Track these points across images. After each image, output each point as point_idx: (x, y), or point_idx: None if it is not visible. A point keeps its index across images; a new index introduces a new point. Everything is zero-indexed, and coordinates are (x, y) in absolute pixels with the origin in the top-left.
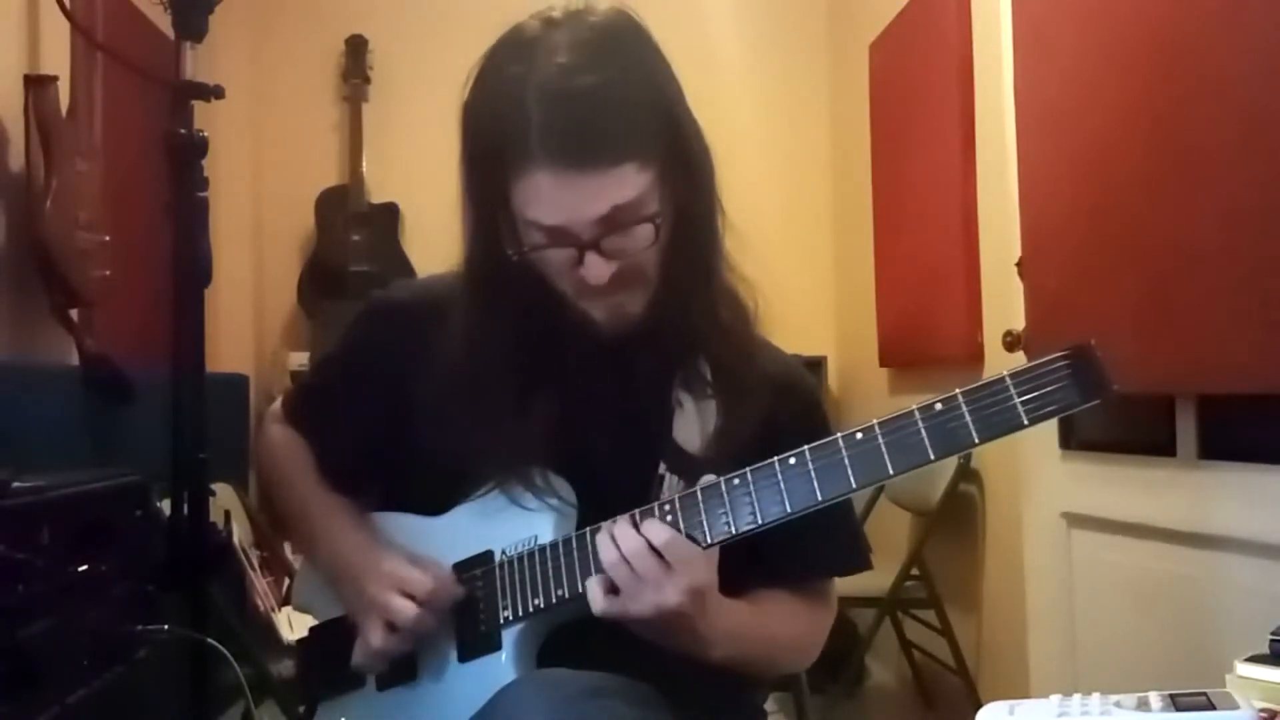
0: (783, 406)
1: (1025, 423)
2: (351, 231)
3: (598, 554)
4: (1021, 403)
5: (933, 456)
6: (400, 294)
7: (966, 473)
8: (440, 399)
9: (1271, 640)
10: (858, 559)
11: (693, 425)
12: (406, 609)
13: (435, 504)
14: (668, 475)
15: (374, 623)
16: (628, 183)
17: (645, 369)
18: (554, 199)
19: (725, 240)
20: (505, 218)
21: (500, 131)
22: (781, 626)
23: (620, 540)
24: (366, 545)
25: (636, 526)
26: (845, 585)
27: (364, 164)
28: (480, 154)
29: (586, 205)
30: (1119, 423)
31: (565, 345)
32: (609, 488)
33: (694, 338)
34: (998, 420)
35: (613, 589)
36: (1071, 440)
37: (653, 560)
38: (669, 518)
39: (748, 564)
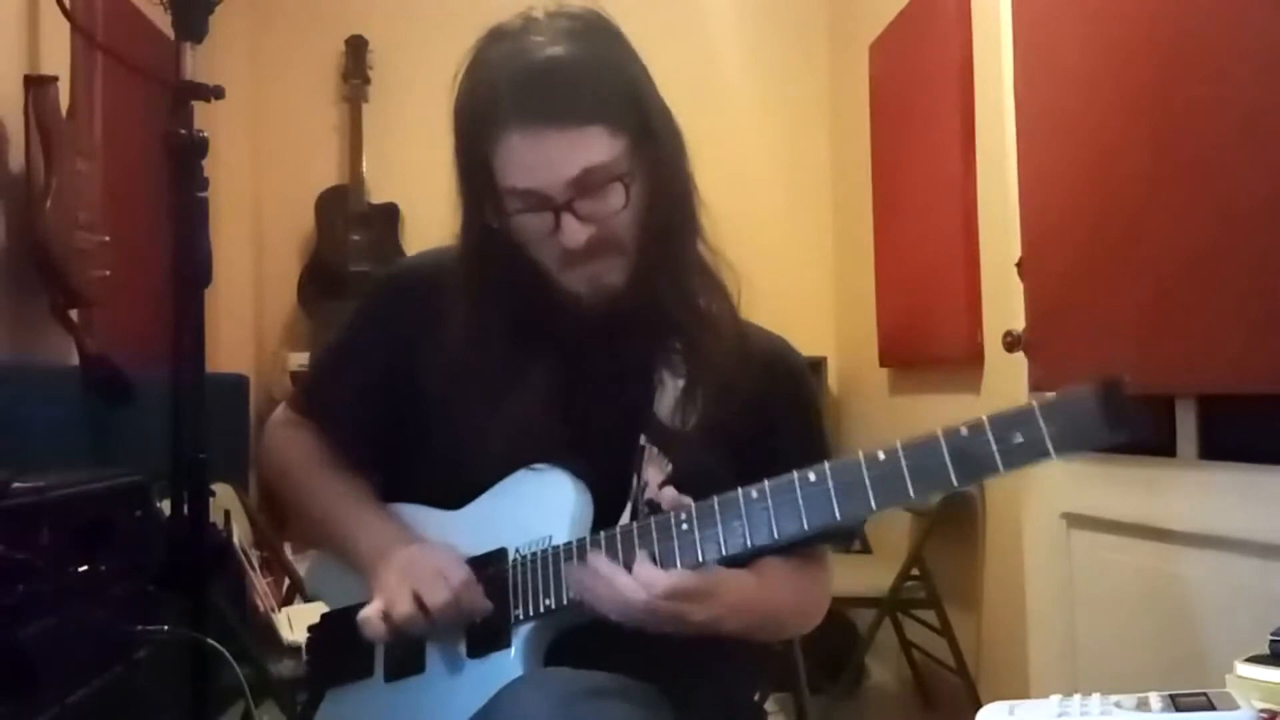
0: (768, 381)
1: (1053, 456)
2: (351, 231)
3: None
4: (1049, 436)
5: (956, 484)
6: (409, 264)
7: None
8: (441, 384)
9: (1271, 640)
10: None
11: (673, 399)
12: (440, 590)
13: (448, 496)
14: (648, 447)
15: (405, 594)
16: (598, 145)
17: (627, 343)
18: (527, 160)
19: (704, 223)
20: (490, 194)
21: (478, 106)
22: (784, 592)
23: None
24: (404, 536)
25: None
26: (845, 585)
27: (364, 164)
28: (465, 134)
29: (558, 166)
30: None
31: (551, 321)
32: (594, 460)
33: (672, 313)
34: (1024, 451)
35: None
36: None
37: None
38: (684, 526)
39: None
